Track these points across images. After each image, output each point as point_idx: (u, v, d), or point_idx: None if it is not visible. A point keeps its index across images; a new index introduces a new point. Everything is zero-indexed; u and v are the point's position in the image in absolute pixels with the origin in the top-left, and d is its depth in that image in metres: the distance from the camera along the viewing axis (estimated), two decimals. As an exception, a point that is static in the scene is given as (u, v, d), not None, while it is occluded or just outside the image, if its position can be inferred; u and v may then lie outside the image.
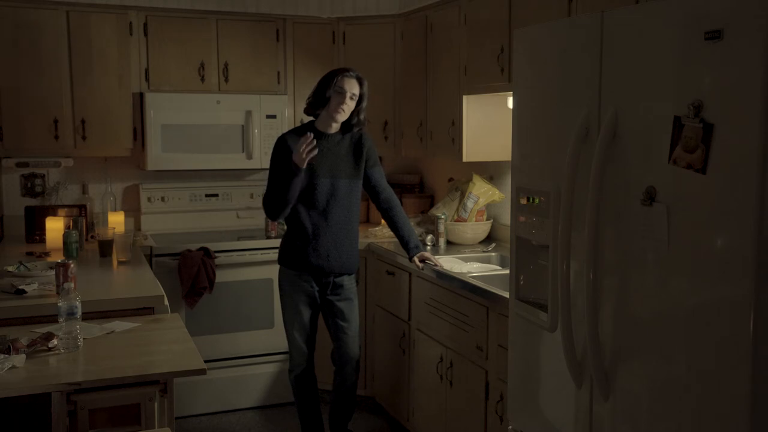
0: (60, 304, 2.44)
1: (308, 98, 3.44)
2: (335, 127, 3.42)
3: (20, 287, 2.96)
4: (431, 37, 4.14)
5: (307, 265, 3.41)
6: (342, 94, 3.31)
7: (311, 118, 3.48)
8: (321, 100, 3.36)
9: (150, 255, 4.01)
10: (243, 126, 4.38)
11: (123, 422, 2.49)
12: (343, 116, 3.36)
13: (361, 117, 3.43)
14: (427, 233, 4.05)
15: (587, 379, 2.07)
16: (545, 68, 2.26)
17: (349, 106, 3.35)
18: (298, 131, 3.45)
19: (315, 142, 3.19)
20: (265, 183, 4.75)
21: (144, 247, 4.03)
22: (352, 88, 3.33)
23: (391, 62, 4.52)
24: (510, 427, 2.51)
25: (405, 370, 3.80)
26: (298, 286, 3.44)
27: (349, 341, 3.50)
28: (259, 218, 4.66)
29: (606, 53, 1.96)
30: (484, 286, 3.00)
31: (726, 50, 1.59)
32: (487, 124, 3.79)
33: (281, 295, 3.54)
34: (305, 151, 3.17)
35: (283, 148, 3.38)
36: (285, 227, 3.55)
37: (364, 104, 3.41)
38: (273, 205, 3.36)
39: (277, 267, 4.09)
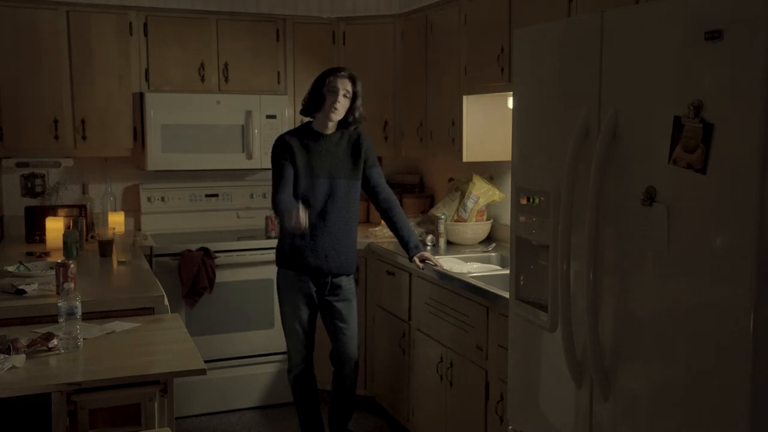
0: (60, 304, 2.44)
1: (303, 100, 3.45)
2: (332, 127, 3.42)
3: (20, 287, 2.95)
4: (431, 37, 4.14)
5: (305, 265, 3.40)
6: (335, 93, 3.32)
7: (309, 119, 3.49)
8: (316, 101, 3.37)
9: (150, 255, 4.01)
10: (243, 126, 4.38)
11: (123, 422, 2.49)
12: (338, 115, 3.37)
13: (357, 115, 3.43)
14: (427, 233, 4.04)
15: (587, 379, 2.07)
16: (545, 68, 2.26)
17: (343, 104, 3.36)
18: (297, 132, 3.45)
19: (304, 215, 3.24)
20: (266, 183, 4.79)
21: (144, 247, 4.03)
22: (345, 85, 3.34)
23: (391, 62, 4.52)
24: (510, 427, 2.51)
25: (405, 370, 3.80)
26: (296, 287, 3.44)
27: (348, 342, 3.50)
28: (259, 218, 4.66)
29: (606, 53, 1.96)
30: (484, 286, 3.00)
31: (726, 50, 1.59)
32: (487, 124, 3.79)
33: (279, 296, 3.54)
34: (296, 223, 3.22)
35: (283, 146, 3.39)
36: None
37: (359, 102, 3.42)
38: (278, 214, 3.40)
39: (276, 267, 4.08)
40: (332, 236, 3.39)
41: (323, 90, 3.34)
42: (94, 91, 4.17)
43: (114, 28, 4.18)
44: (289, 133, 3.48)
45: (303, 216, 3.21)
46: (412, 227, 3.69)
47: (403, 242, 3.55)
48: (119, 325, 2.72)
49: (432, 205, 4.64)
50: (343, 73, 3.37)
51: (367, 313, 4.22)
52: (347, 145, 3.44)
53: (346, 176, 3.41)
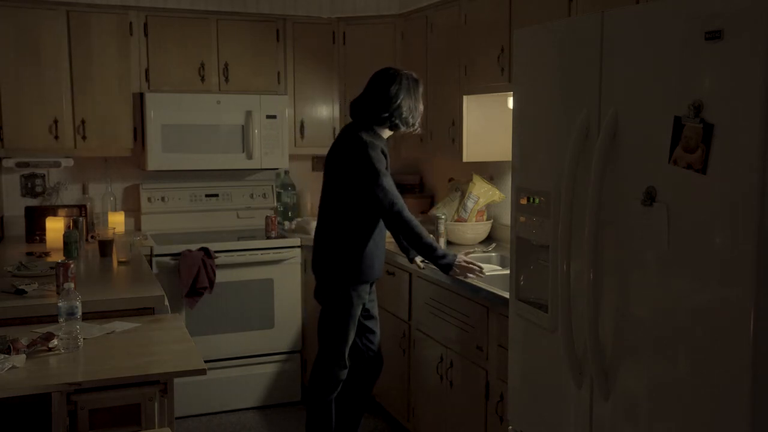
0: (60, 304, 2.44)
1: (402, 112, 3.23)
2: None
3: (20, 287, 2.96)
4: (431, 37, 4.14)
5: (377, 273, 3.34)
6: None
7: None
8: (414, 114, 3.29)
9: (150, 255, 4.01)
10: (243, 126, 4.38)
11: (123, 422, 2.49)
12: None
13: None
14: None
15: (587, 379, 2.07)
16: (545, 68, 2.26)
17: None
18: (380, 139, 3.25)
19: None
20: (266, 183, 4.80)
21: (144, 247, 4.03)
22: None
23: (391, 62, 4.50)
24: (510, 427, 2.51)
25: (405, 370, 3.80)
26: (361, 299, 3.32)
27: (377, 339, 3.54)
28: (259, 218, 4.66)
29: (606, 53, 1.96)
30: (484, 286, 3.00)
31: (726, 50, 1.59)
32: (487, 124, 3.79)
33: (342, 317, 3.29)
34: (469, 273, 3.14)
35: (384, 156, 3.22)
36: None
37: None
38: (415, 239, 3.18)
39: (277, 267, 4.10)
40: (384, 240, 3.38)
41: (420, 103, 3.31)
42: (94, 91, 4.17)
43: (114, 28, 4.18)
44: (371, 137, 3.22)
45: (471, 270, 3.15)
46: None
47: (404, 247, 3.53)
48: (119, 325, 2.72)
49: (432, 205, 4.64)
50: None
51: (367, 313, 4.22)
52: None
53: None
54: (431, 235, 3.24)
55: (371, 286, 3.42)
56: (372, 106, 3.25)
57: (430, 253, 3.18)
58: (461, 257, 3.18)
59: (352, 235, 3.25)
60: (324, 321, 3.36)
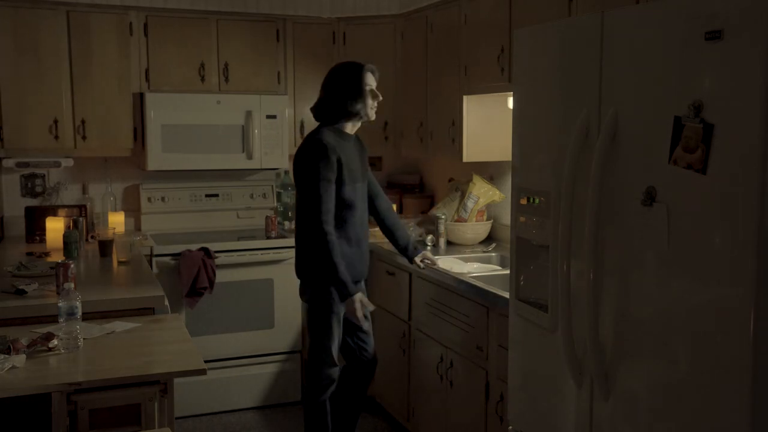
0: (60, 304, 2.44)
1: (337, 100, 3.22)
2: (354, 129, 3.34)
3: (20, 287, 2.96)
4: (431, 37, 4.14)
5: (356, 274, 3.27)
6: (376, 94, 3.27)
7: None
8: (356, 103, 3.21)
9: (150, 255, 4.01)
10: (243, 126, 4.38)
11: (123, 422, 2.49)
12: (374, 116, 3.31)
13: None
14: (427, 233, 4.04)
15: (587, 379, 2.07)
16: (545, 69, 2.26)
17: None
18: (333, 134, 3.22)
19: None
20: (266, 183, 4.79)
21: (144, 247, 4.03)
22: (374, 84, 3.29)
23: (391, 62, 4.51)
24: (510, 427, 2.51)
25: (405, 370, 3.80)
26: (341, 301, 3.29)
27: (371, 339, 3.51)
28: (259, 218, 4.66)
29: (606, 53, 1.96)
30: (484, 287, 3.00)
31: (726, 50, 1.59)
32: (487, 124, 3.79)
33: (325, 314, 3.26)
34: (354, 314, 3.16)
35: (333, 156, 3.13)
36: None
37: None
38: (322, 258, 3.12)
39: (276, 267, 4.08)
40: (366, 239, 3.34)
41: (364, 90, 3.23)
42: (94, 91, 4.17)
43: (114, 28, 4.18)
44: (329, 136, 3.19)
45: (363, 309, 3.17)
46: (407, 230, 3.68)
47: (402, 246, 3.52)
48: (119, 325, 2.72)
49: (432, 205, 4.64)
50: (373, 67, 3.28)
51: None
52: (360, 148, 3.37)
53: (363, 180, 3.33)
54: (342, 268, 3.13)
55: (357, 284, 3.32)
56: (320, 103, 3.29)
57: (332, 274, 3.12)
58: (359, 302, 3.16)
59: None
60: (309, 320, 3.37)
